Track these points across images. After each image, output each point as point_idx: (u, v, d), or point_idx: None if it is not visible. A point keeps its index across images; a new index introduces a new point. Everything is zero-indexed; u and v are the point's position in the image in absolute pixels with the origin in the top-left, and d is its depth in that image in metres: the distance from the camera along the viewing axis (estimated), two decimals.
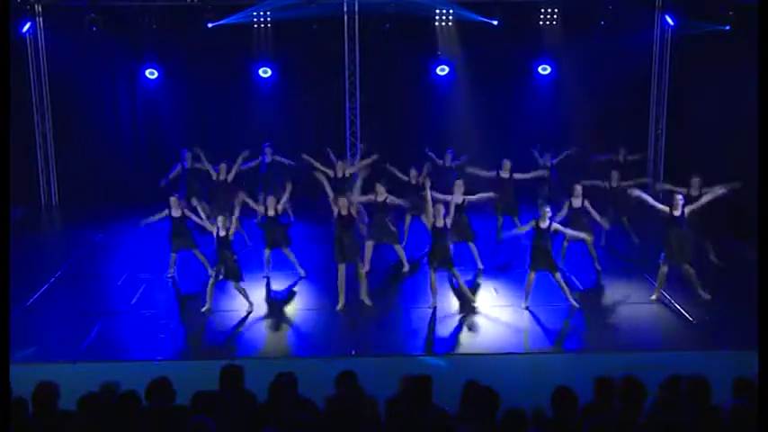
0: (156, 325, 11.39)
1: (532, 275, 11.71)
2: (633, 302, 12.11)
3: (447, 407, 5.81)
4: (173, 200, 12.78)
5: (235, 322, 11.58)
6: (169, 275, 13.02)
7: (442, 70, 17.77)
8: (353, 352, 10.49)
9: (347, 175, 14.33)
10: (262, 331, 11.32)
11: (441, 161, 15.11)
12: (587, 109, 17.59)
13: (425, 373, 5.95)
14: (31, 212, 17.15)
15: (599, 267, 13.24)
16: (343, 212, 11.80)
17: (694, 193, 12.99)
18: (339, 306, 11.75)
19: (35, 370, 8.97)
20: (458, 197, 12.78)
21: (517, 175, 14.33)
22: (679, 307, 11.80)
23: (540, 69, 17.83)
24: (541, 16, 17.33)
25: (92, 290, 12.76)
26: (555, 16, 17.32)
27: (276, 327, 11.42)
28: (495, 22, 16.90)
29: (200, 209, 12.54)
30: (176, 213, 12.76)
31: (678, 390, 5.81)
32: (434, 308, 11.72)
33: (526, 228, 12.01)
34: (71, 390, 6.00)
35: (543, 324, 11.43)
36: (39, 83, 17.58)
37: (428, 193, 11.90)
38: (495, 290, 12.54)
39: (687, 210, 11.83)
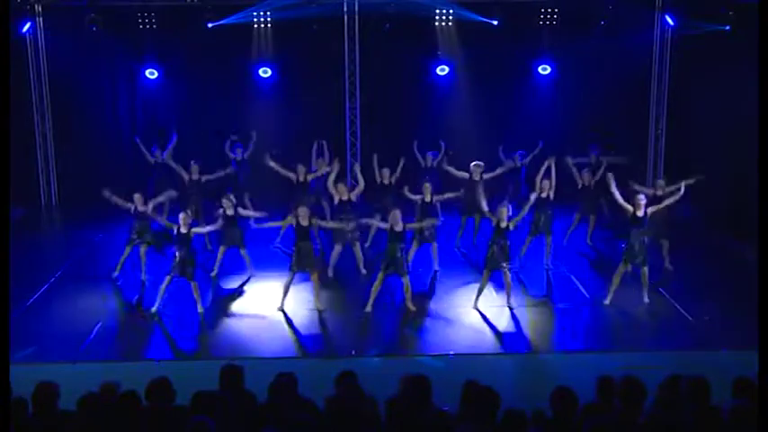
0: (155, 325, 11.43)
1: (486, 274, 11.78)
2: (633, 302, 12.10)
3: (447, 407, 5.81)
4: (137, 196, 12.76)
5: (234, 322, 11.60)
6: (116, 274, 13.05)
7: (442, 70, 17.76)
8: (353, 352, 10.49)
9: (307, 180, 14.39)
10: (262, 331, 11.31)
11: (423, 162, 15.23)
12: (587, 109, 17.60)
13: (425, 374, 5.96)
14: (31, 212, 17.14)
15: (548, 265, 13.40)
16: (303, 223, 11.68)
17: (659, 193, 13.04)
18: (278, 306, 11.78)
19: (35, 370, 8.98)
20: (425, 197, 12.91)
21: (487, 176, 14.26)
22: (678, 307, 11.81)
23: (540, 69, 17.83)
24: (541, 16, 17.33)
25: (92, 290, 12.76)
26: (555, 16, 17.32)
27: (276, 327, 11.41)
28: (495, 22, 16.89)
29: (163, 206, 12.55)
30: (141, 209, 12.76)
31: (678, 390, 5.81)
32: (368, 314, 11.64)
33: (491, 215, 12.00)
34: (71, 390, 6.00)
35: (544, 324, 11.44)
36: (39, 83, 17.57)
37: (356, 223, 12.13)
38: (495, 290, 12.54)
39: (650, 211, 11.85)
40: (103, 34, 16.78)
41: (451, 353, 10.48)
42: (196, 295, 11.76)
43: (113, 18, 16.77)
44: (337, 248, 13.15)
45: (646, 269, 11.86)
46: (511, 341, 10.94)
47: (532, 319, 11.58)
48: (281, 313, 11.73)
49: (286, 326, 11.44)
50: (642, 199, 11.90)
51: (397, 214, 11.60)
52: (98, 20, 16.52)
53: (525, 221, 13.08)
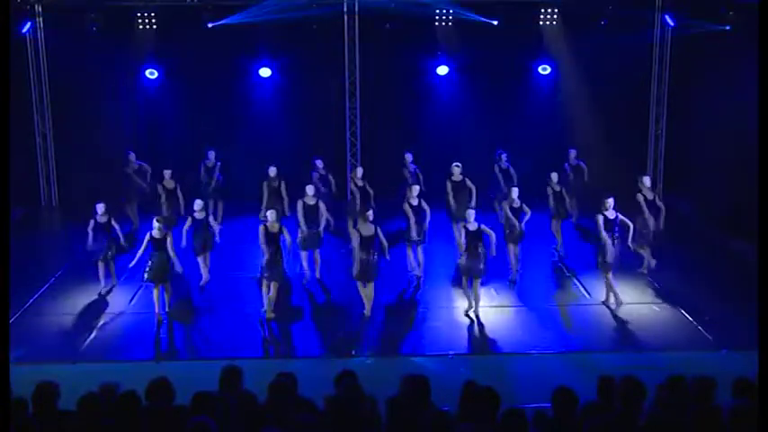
0: (155, 325, 11.46)
1: (464, 280, 11.72)
2: (633, 302, 12.11)
3: (447, 407, 5.81)
4: (99, 206, 12.65)
5: (235, 322, 11.60)
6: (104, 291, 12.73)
7: (443, 70, 17.74)
8: (353, 352, 10.50)
9: (282, 185, 14.49)
10: (262, 331, 11.32)
11: (412, 166, 15.36)
12: (587, 109, 17.59)
13: (425, 374, 5.96)
14: (30, 212, 17.13)
15: (514, 275, 13.10)
16: (272, 230, 11.58)
17: (649, 195, 12.96)
18: (268, 315, 11.64)
19: (35, 370, 8.97)
20: (413, 200, 12.87)
21: (468, 180, 14.39)
22: (679, 307, 11.81)
23: (540, 69, 17.81)
24: (541, 16, 17.32)
25: (92, 290, 12.75)
26: (555, 16, 17.31)
27: (276, 327, 11.42)
28: (495, 22, 16.87)
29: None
30: (102, 219, 12.62)
31: (678, 390, 5.81)
32: (367, 315, 11.64)
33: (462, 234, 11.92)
34: (71, 390, 6.00)
35: (543, 324, 11.44)
36: (39, 83, 17.55)
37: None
38: (495, 290, 12.54)
39: (621, 217, 11.89)
40: (103, 34, 16.78)
41: (451, 353, 10.49)
42: (167, 298, 11.71)
43: (113, 18, 16.76)
44: (302, 254, 13.14)
45: (610, 275, 11.83)
46: (511, 341, 10.95)
47: (533, 320, 11.59)
48: (280, 313, 11.74)
49: (286, 326, 11.45)
50: (611, 202, 11.86)
51: (368, 216, 11.55)
52: (98, 20, 16.50)
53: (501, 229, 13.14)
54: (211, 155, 15.77)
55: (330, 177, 15.29)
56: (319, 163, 15.38)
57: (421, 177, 14.96)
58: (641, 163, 17.81)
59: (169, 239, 11.66)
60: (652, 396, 5.82)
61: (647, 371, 7.88)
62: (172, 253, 11.61)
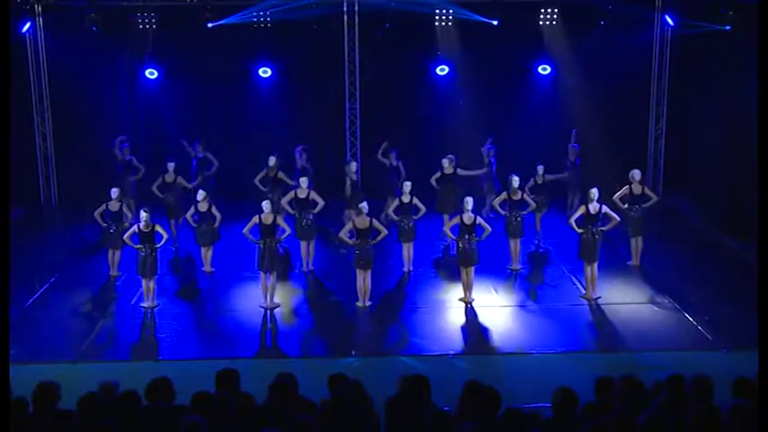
0: (156, 325, 11.45)
1: (463, 271, 11.87)
2: (633, 302, 12.12)
3: (447, 407, 5.82)
4: (115, 191, 12.80)
5: (235, 322, 11.60)
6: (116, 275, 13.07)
7: (442, 70, 17.73)
8: (353, 352, 10.50)
9: (280, 177, 14.65)
10: (262, 331, 11.32)
11: (396, 162, 15.40)
12: (587, 109, 17.57)
13: (425, 374, 5.97)
14: (30, 212, 17.13)
15: (517, 267, 13.31)
16: (266, 222, 11.79)
17: (636, 190, 13.00)
18: (264, 305, 11.82)
19: (35, 370, 8.97)
20: (405, 197, 12.96)
21: (461, 171, 14.60)
22: (679, 307, 11.81)
23: (540, 69, 17.80)
24: (541, 16, 17.31)
25: (92, 290, 12.76)
26: (555, 16, 17.30)
27: (276, 327, 11.42)
28: (495, 22, 16.85)
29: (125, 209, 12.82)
30: (114, 207, 12.68)
31: (678, 390, 5.82)
32: (366, 308, 11.78)
33: (453, 222, 12.12)
34: (71, 390, 6.00)
35: (543, 324, 11.44)
36: (39, 83, 17.53)
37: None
38: (495, 290, 12.54)
39: (605, 210, 11.93)
40: (103, 34, 16.76)
41: (451, 353, 10.49)
42: (150, 293, 11.79)
43: (113, 18, 16.75)
44: (303, 245, 13.29)
45: (594, 265, 11.94)
46: (511, 341, 10.95)
47: (533, 319, 11.59)
48: (279, 313, 11.76)
49: (284, 326, 11.46)
50: (595, 193, 11.90)
51: (362, 208, 11.69)
52: (98, 20, 16.47)
53: (500, 223, 13.18)
54: (197, 146, 15.92)
55: (308, 167, 15.28)
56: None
57: (404, 174, 14.96)
58: (641, 162, 17.79)
59: (159, 230, 11.73)
60: (651, 396, 5.83)
61: (647, 371, 7.90)
62: (159, 245, 11.82)
